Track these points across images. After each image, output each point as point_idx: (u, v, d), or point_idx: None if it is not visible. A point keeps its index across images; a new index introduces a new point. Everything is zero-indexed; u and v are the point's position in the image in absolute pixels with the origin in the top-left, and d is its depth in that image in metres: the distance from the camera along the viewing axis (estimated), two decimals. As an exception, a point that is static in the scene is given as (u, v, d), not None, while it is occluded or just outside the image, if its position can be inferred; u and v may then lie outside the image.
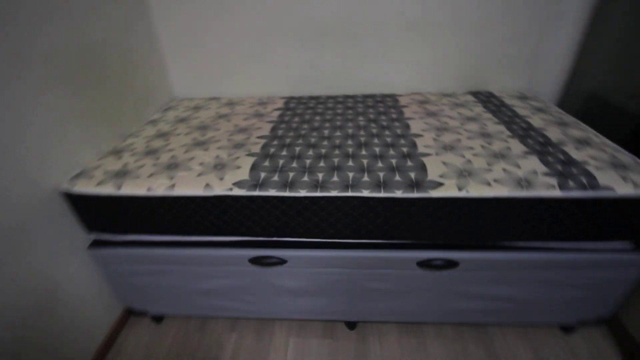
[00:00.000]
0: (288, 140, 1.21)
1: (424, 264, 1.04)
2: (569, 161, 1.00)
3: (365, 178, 0.98)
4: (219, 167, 1.07)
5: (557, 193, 0.90)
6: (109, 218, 1.09)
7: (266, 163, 1.07)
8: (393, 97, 1.57)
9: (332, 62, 1.61)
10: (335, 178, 0.98)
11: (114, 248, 1.14)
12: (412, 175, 0.98)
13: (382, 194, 0.94)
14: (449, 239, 1.03)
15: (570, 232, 0.98)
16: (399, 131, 1.23)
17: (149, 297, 1.27)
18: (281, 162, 1.08)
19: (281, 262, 1.08)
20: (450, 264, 1.04)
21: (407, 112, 1.39)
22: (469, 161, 1.03)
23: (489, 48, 1.52)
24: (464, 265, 1.04)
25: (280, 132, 1.28)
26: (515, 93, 1.56)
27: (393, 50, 1.56)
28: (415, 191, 0.93)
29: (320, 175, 1.00)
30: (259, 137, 1.25)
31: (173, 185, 1.01)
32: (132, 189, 1.01)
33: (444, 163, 1.02)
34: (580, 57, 1.50)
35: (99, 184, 1.03)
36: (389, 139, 1.18)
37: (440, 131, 1.22)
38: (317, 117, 1.39)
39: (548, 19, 1.44)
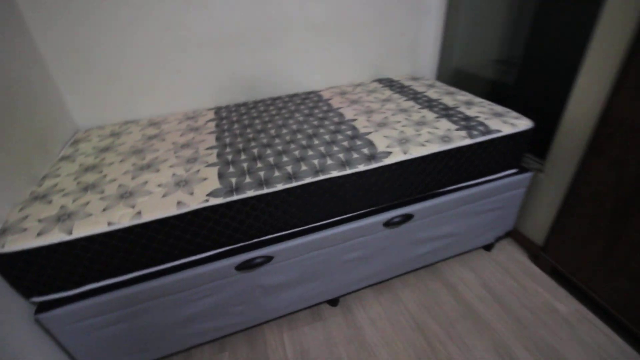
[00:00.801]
0: (241, 145, 1.24)
1: (389, 223, 1.23)
2: (466, 118, 1.32)
3: (330, 161, 1.10)
4: (182, 183, 1.04)
5: (469, 141, 1.19)
6: (58, 271, 0.94)
7: (231, 169, 1.09)
8: (315, 93, 1.73)
9: (251, 68, 1.66)
10: (304, 167, 1.07)
11: (69, 305, 0.98)
12: (366, 150, 1.14)
13: (348, 171, 1.07)
14: (403, 197, 1.23)
15: (480, 170, 1.29)
16: (336, 119, 1.39)
17: (121, 349, 1.13)
18: (245, 165, 1.11)
19: (268, 259, 1.12)
20: (408, 217, 1.24)
21: (334, 103, 1.57)
22: (402, 131, 1.25)
23: (382, 42, 1.82)
24: (417, 215, 1.26)
25: (227, 140, 1.29)
26: (408, 76, 1.91)
27: (306, 51, 1.71)
28: (373, 162, 1.10)
29: (289, 168, 1.07)
30: (208, 149, 1.23)
31: (139, 213, 0.94)
32: (88, 228, 0.90)
33: (385, 136, 1.22)
34: (444, 41, 1.92)
35: (40, 234, 0.89)
36: (332, 127, 1.32)
37: (368, 114, 1.42)
38: (257, 120, 1.44)
39: (420, 15, 1.81)
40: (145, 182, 1.06)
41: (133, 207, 0.96)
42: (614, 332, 1.24)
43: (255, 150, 1.19)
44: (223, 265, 1.07)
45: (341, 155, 1.12)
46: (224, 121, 1.47)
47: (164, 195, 0.99)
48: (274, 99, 1.69)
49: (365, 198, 1.17)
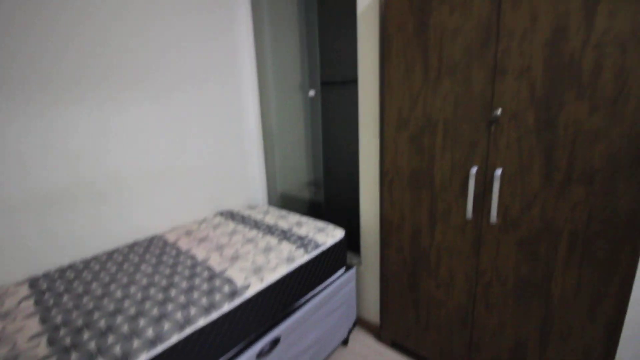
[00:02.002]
0: (80, 322, 1.08)
1: (261, 354, 1.29)
2: (301, 237, 1.65)
3: (193, 310, 1.13)
4: (1, 399, 0.81)
5: (307, 257, 1.49)
6: None
7: (74, 356, 0.94)
8: (159, 237, 1.72)
9: (77, 224, 1.53)
10: (167, 325, 1.06)
11: None
12: (226, 288, 1.24)
13: (215, 315, 1.13)
14: (268, 321, 1.35)
15: (320, 277, 1.60)
16: (189, 262, 1.44)
17: None
18: (93, 343, 0.98)
19: None
20: (276, 341, 1.35)
21: (183, 245, 1.62)
22: (254, 261, 1.43)
23: (219, 179, 2.08)
24: (284, 335, 1.38)
25: (59, 319, 1.10)
26: (246, 205, 2.20)
27: (145, 197, 1.74)
28: (237, 298, 1.20)
29: (150, 331, 1.03)
30: (32, 339, 1.01)
31: None
32: None
33: (241, 270, 1.36)
34: (268, 173, 2.38)
35: None
36: (187, 272, 1.36)
37: (219, 250, 1.55)
38: (94, 284, 1.30)
39: (245, 155, 2.22)
40: None
41: None
42: (441, 375, 1.64)
43: (102, 322, 1.07)
44: None
45: (204, 300, 1.17)
46: (47, 295, 1.25)
47: None
48: (110, 253, 1.57)
49: (234, 334, 1.22)
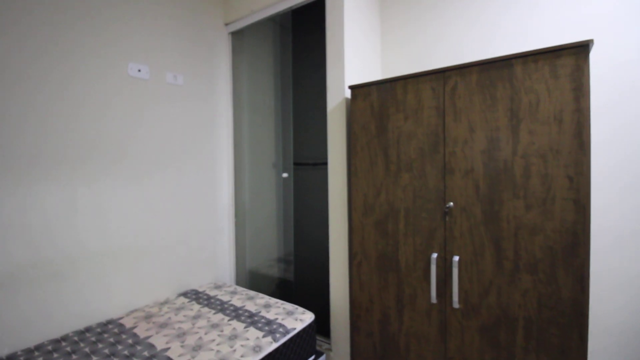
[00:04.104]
0: None
1: None
2: (268, 322, 1.60)
3: (146, 414, 1.03)
4: None
5: (275, 345, 1.44)
6: None
7: None
8: (115, 323, 1.61)
9: (23, 308, 1.41)
10: None
11: None
12: (185, 386, 1.15)
13: (169, 419, 1.03)
14: None
15: (288, 366, 1.52)
16: (146, 353, 1.34)
17: None
18: None
19: None
20: None
21: (141, 332, 1.51)
22: (219, 351, 1.36)
23: (184, 258, 2.04)
24: None
25: None
26: (212, 284, 2.13)
27: (102, 278, 1.66)
28: (195, 398, 1.12)
29: None
30: None
31: None
32: None
33: (203, 362, 1.28)
34: (238, 251, 2.37)
35: None
36: (142, 366, 1.26)
37: (181, 337, 1.46)
38: (34, 384, 1.16)
39: (216, 233, 2.22)
40: None
41: None
42: None
43: None
44: None
45: (159, 401, 1.08)
46: (-26, 399, 1.10)
47: None
48: (56, 342, 1.44)
49: None
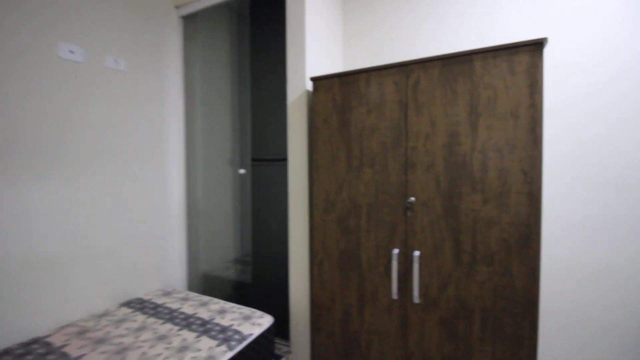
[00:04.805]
0: None
1: None
2: (223, 329, 1.48)
3: None
4: None
5: (230, 354, 1.33)
6: None
7: None
8: (40, 342, 1.38)
9: None
10: None
11: None
12: (125, 409, 1.01)
13: None
14: None
15: (246, 375, 1.42)
16: (77, 376, 1.16)
17: None
18: None
19: None
20: None
21: (72, 351, 1.31)
22: (165, 366, 1.22)
23: (128, 263, 1.83)
24: None
25: None
26: (160, 291, 1.94)
27: (27, 290, 1.42)
28: (137, 422, 0.98)
29: None
30: None
31: None
32: None
33: (147, 380, 1.14)
34: (190, 253, 2.19)
35: None
36: (72, 390, 1.08)
37: (121, 354, 1.29)
38: None
39: (166, 235, 2.03)
40: None
41: None
42: None
43: None
44: None
45: None
46: None
47: None
48: (-39, 371, 1.19)
49: None
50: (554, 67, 1.49)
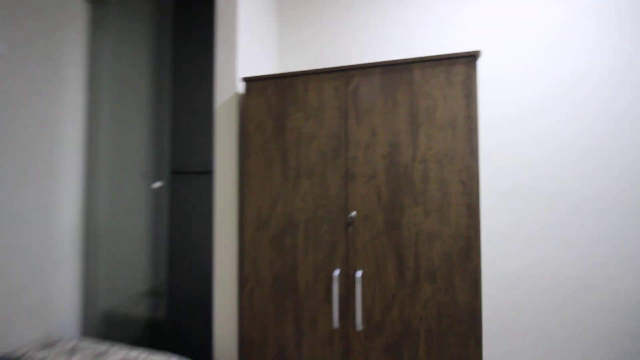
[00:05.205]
0: None
1: None
2: (123, 384, 1.15)
3: None
4: None
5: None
6: None
7: None
8: None
9: None
10: None
11: None
12: None
13: None
14: None
15: None
16: None
17: None
18: None
19: None
20: None
21: None
22: None
23: (-13, 309, 1.36)
24: None
25: None
26: (40, 343, 1.48)
27: None
28: None
29: None
30: None
31: None
32: None
33: None
34: (86, 288, 1.77)
35: None
36: None
37: None
38: None
39: (51, 265, 1.59)
40: None
41: None
42: None
43: None
44: None
45: None
46: None
47: None
48: None
49: None
50: (490, 80, 1.58)
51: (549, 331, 1.49)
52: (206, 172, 1.65)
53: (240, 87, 1.49)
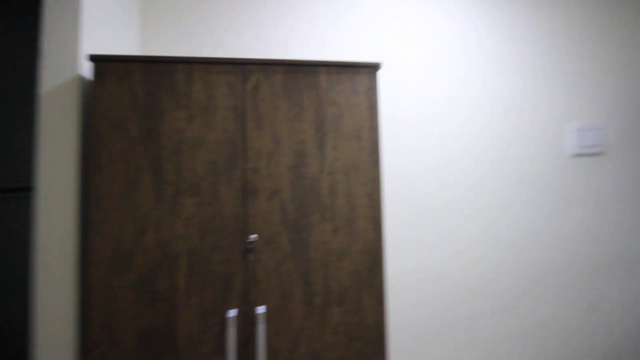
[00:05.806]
0: None
1: None
2: None
3: None
4: None
5: None
6: None
7: None
8: None
9: None
10: None
11: None
12: None
13: None
14: None
15: None
16: None
17: None
18: None
19: None
20: None
21: None
22: None
23: None
24: None
25: None
26: None
27: None
28: None
29: None
30: None
31: None
32: None
33: None
34: None
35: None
36: None
37: None
38: None
39: None
40: None
41: None
42: None
43: None
44: None
45: None
46: None
47: None
48: None
49: None
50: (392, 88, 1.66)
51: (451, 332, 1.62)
52: (20, 190, 1.09)
53: (87, 69, 1.06)
